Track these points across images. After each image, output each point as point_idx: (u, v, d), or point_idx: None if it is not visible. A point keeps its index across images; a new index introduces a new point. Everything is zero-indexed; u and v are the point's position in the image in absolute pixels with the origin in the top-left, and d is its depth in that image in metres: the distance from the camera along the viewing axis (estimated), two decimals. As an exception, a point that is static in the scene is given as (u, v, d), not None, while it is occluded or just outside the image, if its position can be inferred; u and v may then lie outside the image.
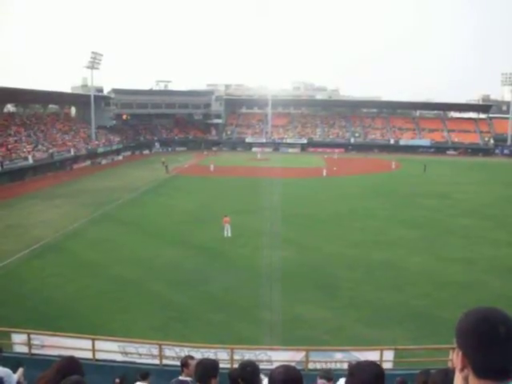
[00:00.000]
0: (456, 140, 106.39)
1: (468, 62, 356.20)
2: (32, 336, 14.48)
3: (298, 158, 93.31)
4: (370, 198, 49.54)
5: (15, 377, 7.39)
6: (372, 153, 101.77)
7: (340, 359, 13.96)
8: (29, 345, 14.30)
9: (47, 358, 12.44)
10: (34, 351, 14.29)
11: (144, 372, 9.60)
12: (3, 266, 27.68)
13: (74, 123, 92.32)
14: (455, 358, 1.93)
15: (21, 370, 7.97)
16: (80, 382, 3.98)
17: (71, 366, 4.44)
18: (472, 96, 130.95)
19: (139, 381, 9.37)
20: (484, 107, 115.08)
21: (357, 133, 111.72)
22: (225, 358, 13.74)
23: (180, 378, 7.46)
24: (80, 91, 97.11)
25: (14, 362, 8.92)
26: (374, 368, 3.39)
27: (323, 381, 6.93)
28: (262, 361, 13.42)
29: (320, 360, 13.99)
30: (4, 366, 7.27)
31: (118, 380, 8.98)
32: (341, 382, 6.49)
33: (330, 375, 7.18)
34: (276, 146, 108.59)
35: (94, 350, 13.92)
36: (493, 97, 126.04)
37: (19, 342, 14.73)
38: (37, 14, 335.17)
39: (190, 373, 6.69)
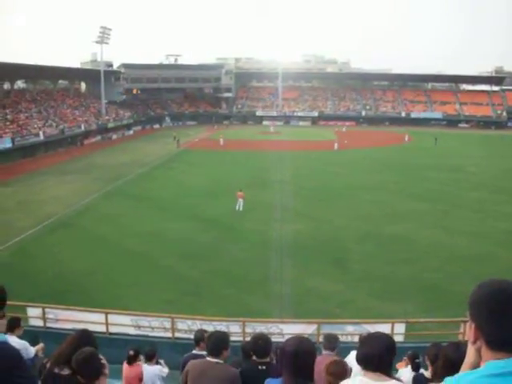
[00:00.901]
0: (468, 113, 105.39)
1: (481, 33, 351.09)
2: (46, 310, 14.67)
3: (309, 131, 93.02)
4: (381, 171, 49.40)
5: (33, 350, 7.50)
6: (383, 126, 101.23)
7: (351, 332, 14.05)
8: (43, 318, 14.50)
9: (61, 332, 12.62)
10: (48, 325, 14.50)
11: (149, 352, 9.60)
12: (16, 242, 27.91)
13: (84, 98, 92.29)
14: (468, 331, 1.94)
15: (41, 345, 8.08)
16: (93, 353, 4.04)
17: (85, 338, 4.51)
18: (485, 68, 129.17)
19: (145, 362, 9.37)
20: (497, 79, 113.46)
21: (368, 105, 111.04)
22: (237, 330, 13.87)
23: (194, 351, 7.52)
24: (89, 66, 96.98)
25: (31, 336, 9.04)
26: (385, 339, 3.42)
27: (328, 352, 6.93)
28: (273, 334, 13.52)
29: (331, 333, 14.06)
30: (21, 338, 7.37)
31: (132, 352, 9.04)
32: (352, 354, 6.52)
33: (333, 344, 7.16)
34: (287, 119, 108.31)
35: (107, 324, 14.10)
36: (506, 68, 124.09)
37: (34, 315, 14.94)
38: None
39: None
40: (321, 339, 13.28)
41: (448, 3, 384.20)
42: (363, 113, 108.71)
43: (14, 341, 6.67)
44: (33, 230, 30.10)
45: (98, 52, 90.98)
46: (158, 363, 9.65)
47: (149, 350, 9.66)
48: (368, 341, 3.40)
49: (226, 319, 14.95)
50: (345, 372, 4.37)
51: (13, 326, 7.43)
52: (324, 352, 6.92)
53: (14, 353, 3.15)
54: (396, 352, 3.36)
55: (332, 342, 7.21)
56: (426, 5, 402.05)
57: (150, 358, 9.42)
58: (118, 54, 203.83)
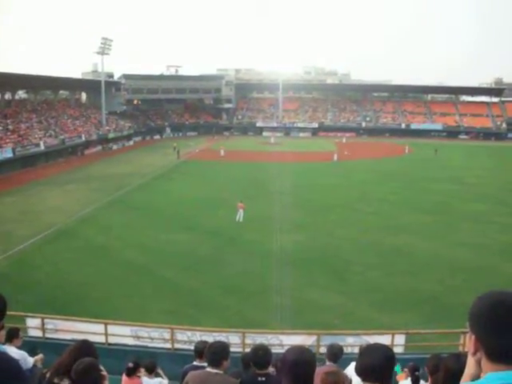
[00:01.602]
0: (468, 124, 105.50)
1: (481, 45, 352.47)
2: (46, 320, 14.63)
3: (309, 142, 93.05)
4: (382, 183, 49.41)
5: (31, 360, 7.47)
6: (383, 137, 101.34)
7: (351, 343, 13.99)
8: (43, 329, 14.45)
9: (61, 342, 12.58)
10: (47, 335, 14.45)
11: (150, 364, 9.51)
12: (17, 251, 27.90)
13: (85, 109, 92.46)
14: (468, 342, 1.93)
15: (41, 355, 8.04)
16: (94, 364, 4.02)
17: (85, 349, 4.49)
18: (484, 79, 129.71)
19: (145, 375, 9.28)
20: (497, 91, 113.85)
21: (368, 117, 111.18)
22: (236, 341, 13.83)
23: (195, 363, 7.46)
24: (90, 77, 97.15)
25: (29, 346, 9.01)
26: (385, 350, 3.41)
27: (331, 363, 6.94)
28: (273, 345, 13.47)
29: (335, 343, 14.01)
30: (20, 349, 7.35)
31: (130, 364, 8.94)
32: (352, 365, 6.50)
33: (337, 357, 7.17)
34: (287, 130, 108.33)
35: (106, 335, 14.05)
36: (506, 80, 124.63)
37: (33, 326, 14.89)
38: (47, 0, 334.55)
39: None
40: (321, 350, 13.28)
41: (448, 15, 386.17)
42: (363, 124, 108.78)
43: (12, 351, 6.65)
44: (33, 239, 30.08)
45: (99, 63, 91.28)
46: (157, 374, 9.59)
47: (149, 362, 9.57)
48: (367, 352, 3.39)
49: (226, 330, 14.93)
50: (339, 382, 4.35)
51: (12, 336, 7.41)
52: (327, 363, 6.92)
53: (13, 363, 3.13)
54: (395, 363, 3.35)
55: (334, 352, 7.21)
56: (426, 17, 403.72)
57: (151, 371, 9.35)
58: (118, 65, 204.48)
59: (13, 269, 25.24)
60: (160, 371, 9.85)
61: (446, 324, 16.47)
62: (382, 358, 3.26)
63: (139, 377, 8.96)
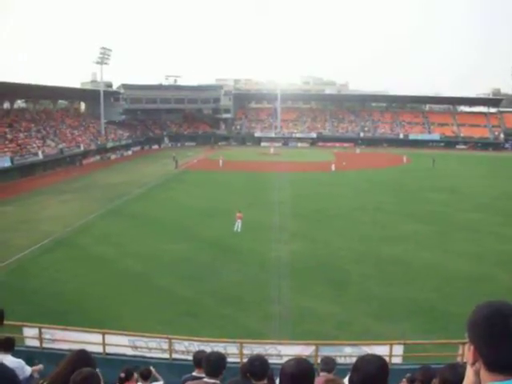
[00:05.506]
0: (466, 134, 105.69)
1: (478, 55, 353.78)
2: (43, 330, 14.54)
3: (308, 152, 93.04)
4: (379, 193, 49.42)
5: (29, 369, 7.41)
6: (381, 147, 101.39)
7: (349, 353, 13.94)
8: (40, 339, 14.37)
9: (58, 352, 12.52)
10: (45, 345, 14.37)
11: (145, 370, 9.46)
12: (14, 260, 27.84)
13: (84, 118, 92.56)
14: (467, 352, 1.93)
15: (40, 366, 7.99)
16: (93, 374, 3.98)
17: (83, 358, 4.44)
18: (482, 90, 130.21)
19: (140, 381, 9.23)
20: (494, 101, 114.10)
21: (366, 127, 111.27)
22: (234, 352, 13.77)
23: (194, 373, 7.39)
24: (89, 87, 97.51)
25: (26, 356, 8.95)
26: (378, 361, 3.39)
27: (324, 373, 6.93)
28: (271, 355, 13.43)
29: (329, 354, 13.97)
30: (17, 357, 7.30)
31: (122, 374, 8.85)
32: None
33: (330, 366, 7.17)
34: (285, 140, 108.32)
35: (104, 344, 13.97)
36: (503, 90, 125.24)
37: (30, 335, 14.81)
38: (46, 10, 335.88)
39: None
40: (319, 361, 13.22)
41: (446, 26, 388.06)
42: (361, 134, 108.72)
43: (8, 360, 6.62)
44: (31, 248, 30.04)
45: (97, 72, 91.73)
46: (152, 379, 9.56)
47: (144, 369, 9.54)
48: (361, 363, 3.37)
49: (224, 340, 14.86)
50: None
51: (9, 345, 7.36)
52: (321, 373, 6.90)
53: (9, 373, 3.11)
54: (389, 373, 3.33)
55: (329, 363, 7.20)
56: (424, 28, 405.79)
57: (146, 378, 9.32)
58: (117, 75, 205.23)
59: (10, 278, 25.17)
60: (156, 374, 9.85)
61: (443, 333, 16.46)
62: (376, 368, 3.25)
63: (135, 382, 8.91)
